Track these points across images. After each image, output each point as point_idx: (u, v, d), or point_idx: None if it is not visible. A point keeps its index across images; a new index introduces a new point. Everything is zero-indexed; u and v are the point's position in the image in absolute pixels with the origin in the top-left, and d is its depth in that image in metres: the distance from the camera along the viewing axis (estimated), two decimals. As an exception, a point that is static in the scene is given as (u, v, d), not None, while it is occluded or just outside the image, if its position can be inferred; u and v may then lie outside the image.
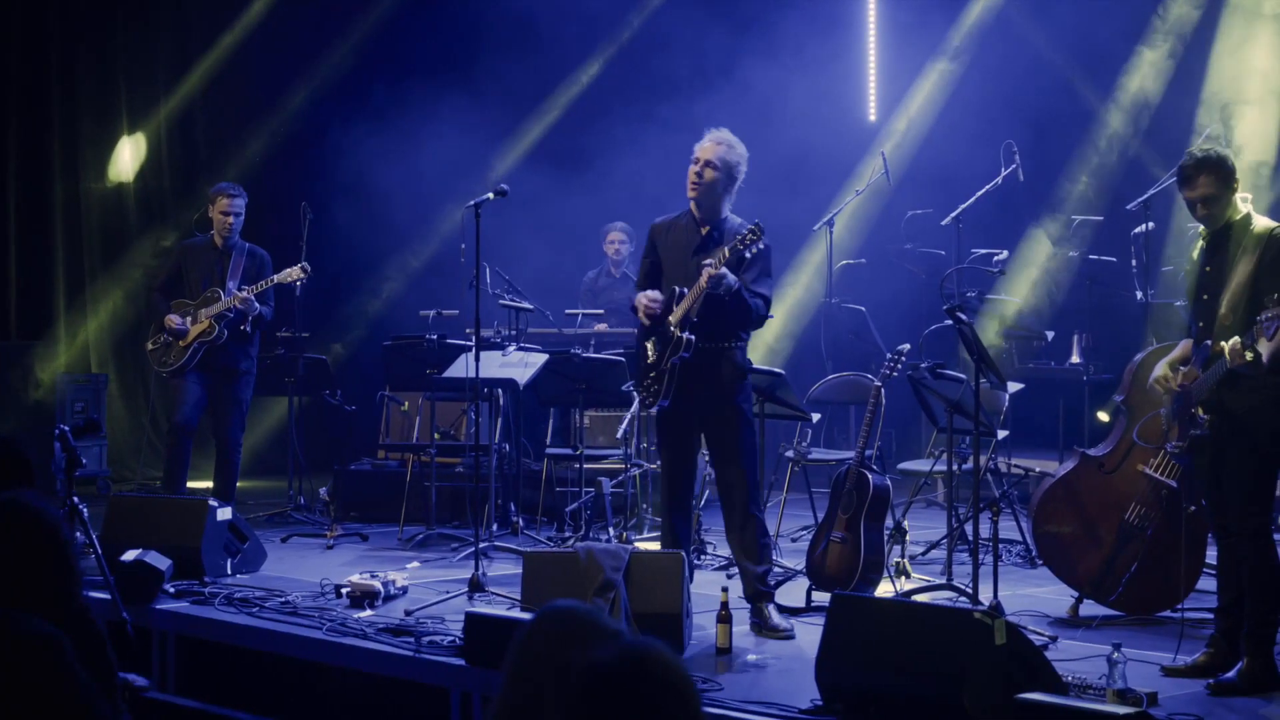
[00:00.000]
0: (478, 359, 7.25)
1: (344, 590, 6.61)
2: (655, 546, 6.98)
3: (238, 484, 8.83)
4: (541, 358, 8.30)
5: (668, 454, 6.44)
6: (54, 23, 11.59)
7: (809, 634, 5.86)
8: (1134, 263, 8.90)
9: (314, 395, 9.83)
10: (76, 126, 11.71)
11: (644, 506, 8.77)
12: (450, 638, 5.77)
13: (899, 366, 7.10)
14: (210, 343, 8.51)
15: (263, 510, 9.50)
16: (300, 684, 6.10)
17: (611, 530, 8.12)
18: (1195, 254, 5.58)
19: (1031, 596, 6.82)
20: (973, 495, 6.52)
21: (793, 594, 6.74)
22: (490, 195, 7.06)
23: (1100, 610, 6.34)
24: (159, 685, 6.13)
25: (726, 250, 6.11)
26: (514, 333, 9.04)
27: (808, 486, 8.32)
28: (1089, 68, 11.46)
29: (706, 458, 7.38)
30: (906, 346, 7.22)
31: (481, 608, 6.18)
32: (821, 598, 6.41)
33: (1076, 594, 6.42)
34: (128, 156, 11.98)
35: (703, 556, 7.80)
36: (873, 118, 12.45)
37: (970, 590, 6.25)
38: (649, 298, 6.33)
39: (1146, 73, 11.22)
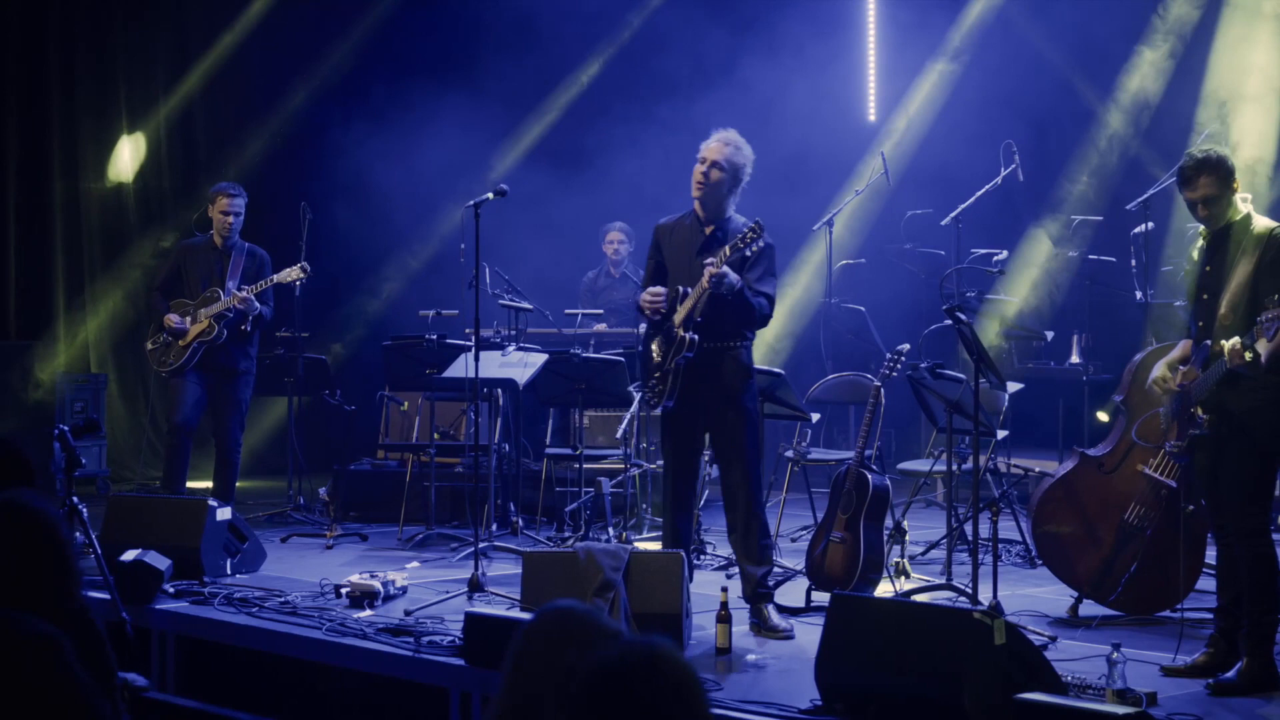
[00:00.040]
0: (477, 359, 7.25)
1: (343, 590, 6.61)
2: (655, 546, 6.98)
3: (237, 484, 8.83)
4: (541, 358, 8.30)
5: (672, 454, 6.43)
6: (53, 22, 11.59)
7: (808, 634, 5.86)
8: (1133, 263, 8.89)
9: (313, 395, 9.82)
10: (76, 126, 11.71)
11: (643, 506, 8.77)
12: (450, 638, 5.77)
13: (898, 366, 7.10)
14: (210, 342, 8.51)
15: (262, 510, 9.50)
16: (300, 684, 6.10)
17: (611, 530, 8.12)
18: (1195, 254, 5.58)
19: (1031, 596, 6.82)
20: (972, 495, 6.52)
21: (792, 594, 6.75)
22: (490, 195, 7.06)
23: (1100, 610, 6.34)
24: (158, 685, 6.12)
25: (727, 249, 6.11)
26: (513, 333, 9.04)
27: (807, 486, 8.32)
28: (1089, 67, 11.46)
29: (707, 458, 7.38)
30: (906, 346, 7.22)
31: (481, 608, 6.18)
32: (821, 598, 6.41)
33: (1076, 594, 6.43)
34: (127, 156, 11.98)
35: (702, 556, 7.80)
36: (872, 118, 12.45)
37: (970, 590, 6.25)
38: (652, 294, 6.35)
39: (1146, 72, 11.21)
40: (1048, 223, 11.15)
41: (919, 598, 6.57)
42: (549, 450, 9.12)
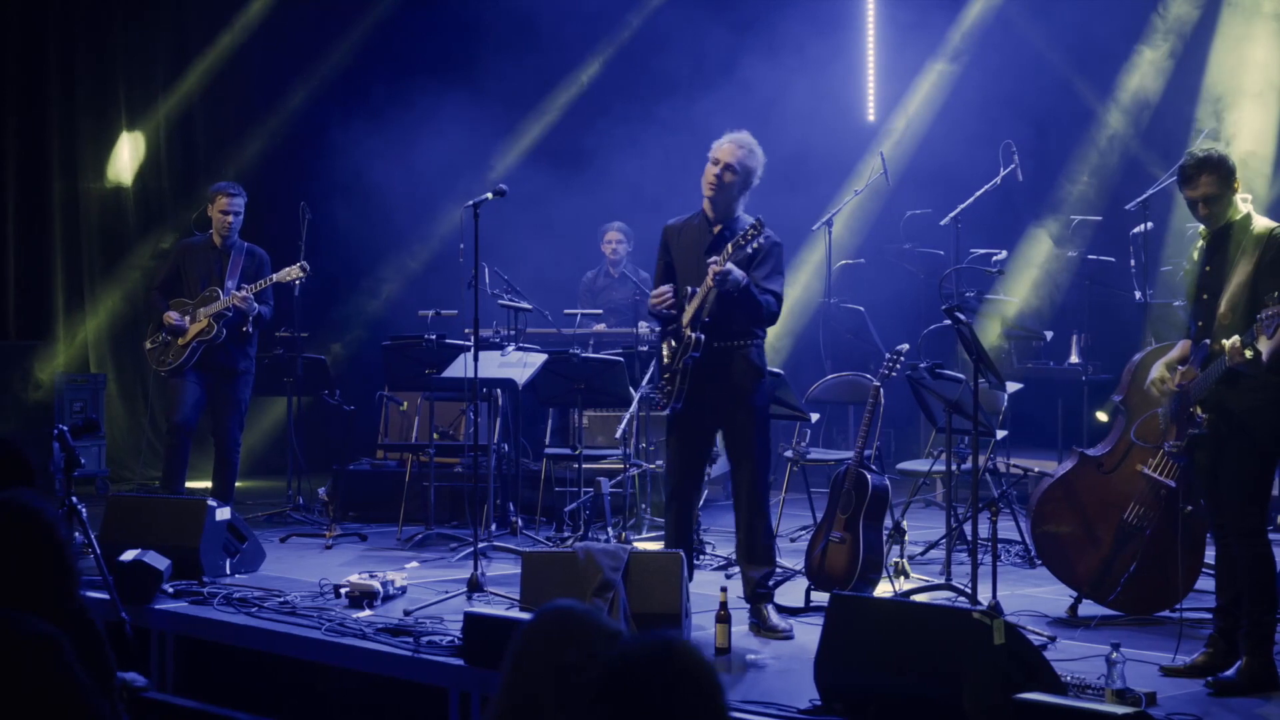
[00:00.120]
0: (476, 359, 7.25)
1: (343, 590, 6.61)
2: (654, 546, 6.98)
3: (236, 484, 8.83)
4: (540, 358, 8.30)
5: (677, 455, 6.42)
6: (53, 22, 11.59)
7: (808, 634, 5.86)
8: (1132, 263, 8.89)
9: (313, 395, 9.82)
10: (75, 126, 11.70)
11: (643, 506, 8.77)
12: (449, 638, 5.77)
13: (898, 366, 7.10)
14: (209, 342, 8.51)
15: (261, 510, 9.50)
16: (299, 684, 6.10)
17: (610, 530, 8.12)
18: (1195, 254, 5.58)
19: (1030, 596, 6.83)
20: (971, 495, 6.52)
21: (791, 594, 6.74)
22: (489, 195, 7.06)
23: (1099, 610, 6.34)
24: (158, 685, 6.12)
25: (730, 246, 6.12)
26: (513, 333, 9.04)
27: (806, 486, 8.31)
28: (1089, 67, 11.46)
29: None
30: (905, 346, 7.22)
31: (480, 608, 6.18)
32: (820, 598, 6.41)
33: (1075, 594, 6.43)
34: (127, 156, 11.97)
35: (701, 556, 7.80)
36: (871, 117, 12.45)
37: (969, 590, 6.26)
38: (657, 294, 6.36)
39: (1146, 72, 11.21)
40: (1049, 222, 11.15)
41: (918, 598, 6.57)
42: (548, 450, 9.12)
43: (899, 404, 8.95)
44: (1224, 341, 5.14)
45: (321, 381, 9.67)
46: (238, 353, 8.64)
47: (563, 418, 9.64)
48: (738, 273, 6.07)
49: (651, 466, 8.84)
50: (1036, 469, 8.57)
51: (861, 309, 10.64)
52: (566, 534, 8.35)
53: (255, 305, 8.51)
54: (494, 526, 8.49)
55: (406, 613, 6.29)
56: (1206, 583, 6.04)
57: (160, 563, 6.66)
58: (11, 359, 11.00)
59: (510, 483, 8.98)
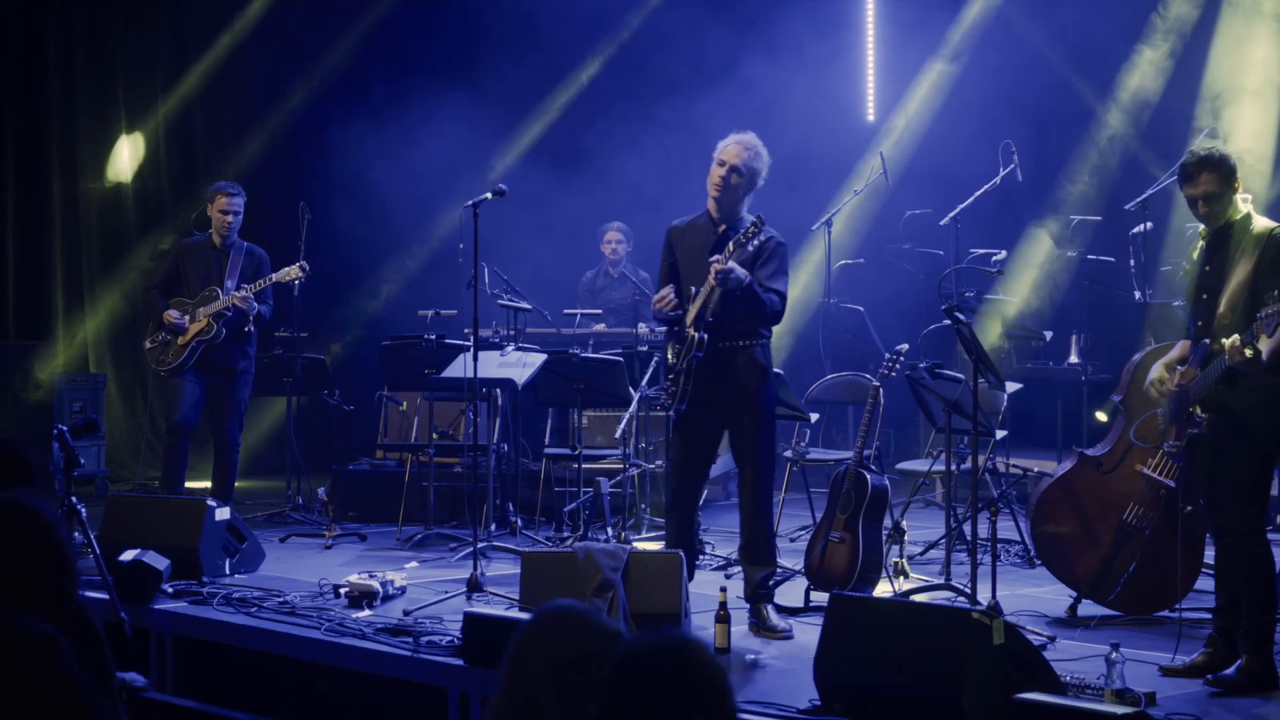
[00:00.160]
0: (476, 359, 7.25)
1: (342, 590, 6.61)
2: (653, 546, 6.98)
3: (236, 484, 8.83)
4: (540, 358, 8.29)
5: (681, 456, 6.41)
6: (52, 22, 11.58)
7: (807, 634, 5.86)
8: (1132, 263, 8.90)
9: (312, 395, 9.82)
10: (75, 126, 11.70)
11: (642, 506, 8.78)
12: (449, 638, 5.77)
13: (897, 366, 7.10)
14: (208, 341, 8.51)
15: (261, 510, 9.50)
16: (299, 684, 6.10)
17: (610, 530, 8.12)
18: (1195, 254, 5.58)
19: (1030, 596, 6.83)
20: (971, 495, 6.52)
21: (791, 594, 6.74)
22: (488, 195, 7.05)
23: (1098, 610, 6.34)
24: (157, 685, 6.12)
25: (731, 245, 6.13)
26: (512, 333, 9.04)
27: (806, 486, 8.32)
28: (1089, 67, 11.46)
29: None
30: (905, 346, 7.22)
31: (480, 608, 6.18)
32: (820, 598, 6.41)
33: (1075, 594, 6.43)
34: (126, 156, 11.97)
35: (701, 556, 7.79)
36: (871, 117, 12.45)
37: (969, 590, 6.25)
38: (659, 297, 6.36)
39: (1146, 71, 11.21)
40: (1049, 222, 11.15)
41: (918, 598, 6.57)
42: (548, 450, 9.12)
43: (898, 404, 8.95)
44: (1223, 340, 5.14)
45: (321, 381, 9.67)
46: (237, 352, 8.64)
47: (562, 418, 9.64)
48: (740, 271, 6.07)
49: (651, 466, 8.84)
50: (1036, 469, 8.57)
51: (861, 309, 10.64)
52: (566, 534, 8.35)
53: (255, 305, 8.51)
54: (493, 526, 8.49)
55: (406, 613, 6.29)
56: (1206, 583, 6.04)
57: (160, 563, 6.66)
58: (11, 359, 11.00)
59: (510, 483, 8.98)
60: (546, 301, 9.90)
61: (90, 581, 6.11)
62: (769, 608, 6.25)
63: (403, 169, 11.37)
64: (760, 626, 6.19)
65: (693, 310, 6.23)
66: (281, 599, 6.60)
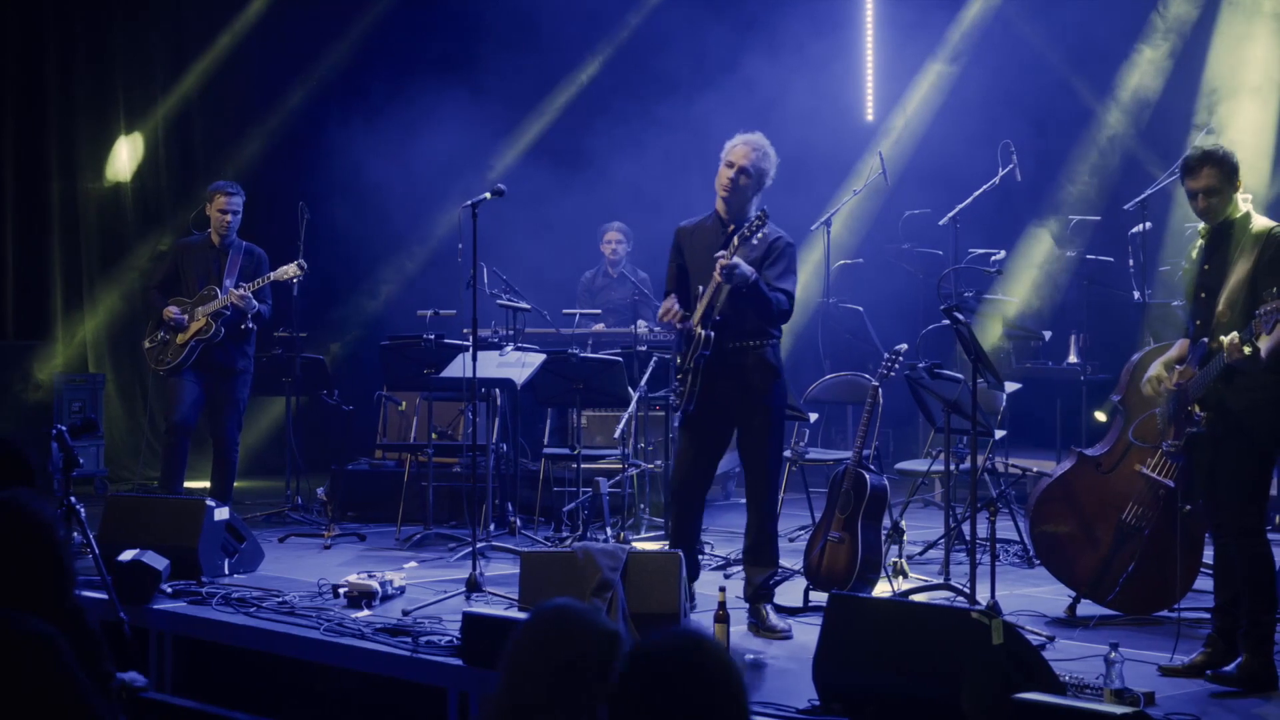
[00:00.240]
0: (475, 359, 7.25)
1: (341, 590, 6.61)
2: (653, 546, 6.98)
3: (235, 484, 8.82)
4: (539, 357, 8.29)
5: (687, 455, 6.41)
6: (51, 22, 11.58)
7: (806, 634, 5.86)
8: (1131, 263, 8.90)
9: (311, 395, 9.82)
10: (73, 126, 11.70)
11: (641, 506, 8.78)
12: (448, 638, 5.77)
13: (896, 366, 7.10)
14: (207, 341, 8.50)
15: (260, 510, 9.50)
16: (298, 684, 6.10)
17: (609, 530, 8.12)
18: (1194, 253, 5.59)
19: (1029, 596, 6.83)
20: (970, 495, 6.52)
21: (790, 594, 6.74)
22: (488, 195, 7.05)
23: (1097, 610, 6.34)
24: (156, 685, 6.12)
25: (736, 239, 6.13)
26: (511, 332, 9.04)
27: (805, 486, 8.32)
28: (1088, 67, 11.46)
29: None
30: (904, 346, 7.22)
31: (479, 608, 6.17)
32: (819, 598, 6.41)
33: (1074, 594, 6.43)
34: (125, 156, 11.97)
35: (700, 556, 7.79)
36: (870, 117, 12.45)
37: (968, 590, 6.26)
38: (663, 310, 6.36)
39: (1146, 70, 11.21)
40: (1050, 222, 11.15)
41: (917, 597, 6.57)
42: (547, 450, 9.12)
43: (898, 404, 8.95)
44: (1222, 338, 5.14)
45: (320, 381, 9.67)
46: (236, 352, 8.63)
47: (561, 418, 9.64)
48: (745, 267, 6.07)
49: (650, 466, 8.84)
50: (1035, 469, 8.57)
51: (860, 309, 10.64)
52: (565, 534, 8.34)
53: (254, 303, 8.50)
54: (492, 526, 8.48)
55: (405, 613, 6.29)
56: (1205, 582, 6.04)
57: (159, 563, 6.66)
58: (10, 359, 11.00)
59: (509, 483, 8.98)
60: (545, 301, 9.90)
61: (89, 581, 6.11)
62: (768, 608, 6.25)
63: (402, 168, 11.37)
64: (759, 626, 6.19)
65: (700, 308, 6.22)
66: (280, 599, 6.60)
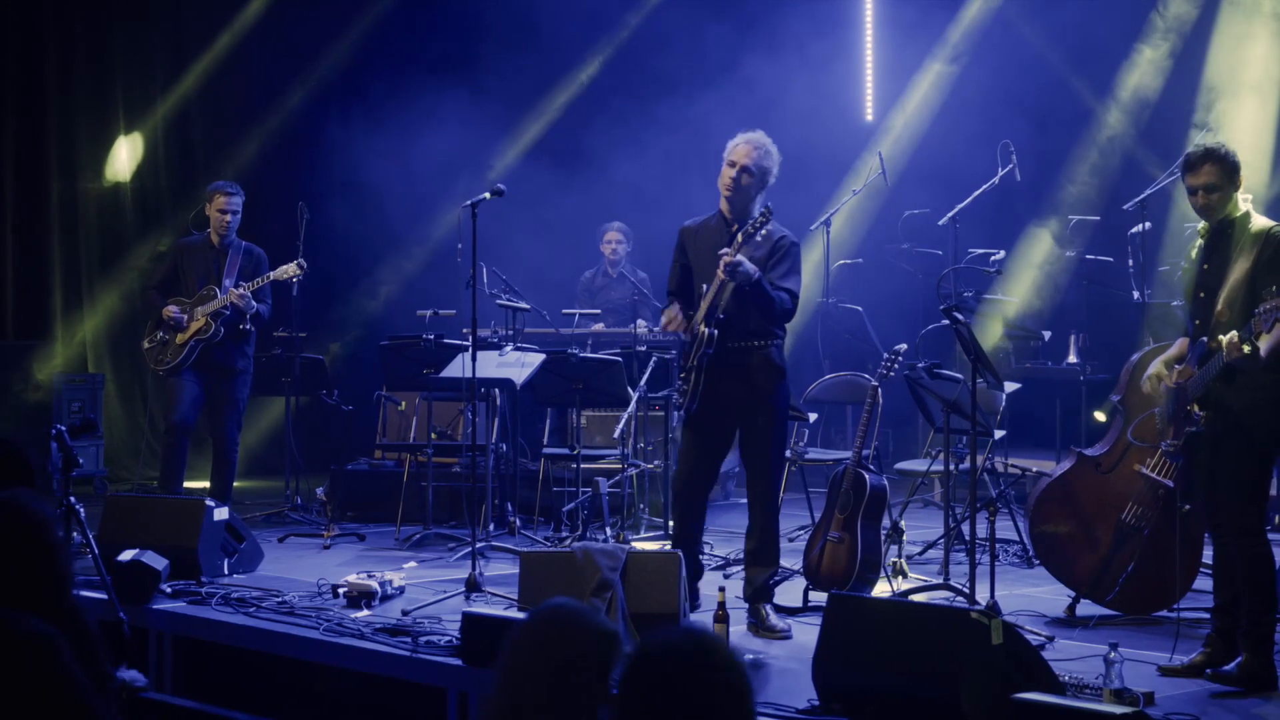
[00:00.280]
0: (474, 359, 7.25)
1: (341, 590, 6.61)
2: (652, 546, 6.98)
3: (234, 484, 8.83)
4: (538, 357, 8.29)
5: (690, 455, 6.40)
6: (51, 22, 11.58)
7: (806, 634, 5.86)
8: (1131, 263, 8.90)
9: (311, 395, 9.82)
10: (73, 126, 11.69)
11: (641, 506, 8.78)
12: (447, 638, 5.77)
13: (896, 366, 7.10)
14: (206, 341, 8.50)
15: (260, 510, 9.50)
16: (297, 684, 6.10)
17: (609, 530, 8.12)
18: (1193, 253, 5.59)
19: (1028, 596, 6.83)
20: (970, 495, 6.52)
21: (790, 594, 6.74)
22: (487, 195, 7.05)
23: (1097, 610, 6.34)
24: (156, 685, 6.11)
25: (740, 236, 6.13)
26: (511, 332, 9.04)
27: (805, 486, 8.32)
28: (1088, 66, 11.46)
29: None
30: (903, 346, 7.22)
31: (479, 608, 6.17)
32: (818, 598, 6.41)
33: (1073, 594, 6.43)
34: (124, 156, 11.96)
35: (700, 556, 7.78)
36: (869, 117, 12.44)
37: (967, 590, 6.26)
38: (666, 320, 6.36)
39: (1146, 70, 11.21)
40: (1051, 222, 11.15)
41: (916, 597, 6.57)
42: (546, 450, 9.12)
43: (897, 404, 8.95)
44: (1221, 338, 5.14)
45: (319, 381, 9.67)
46: (236, 352, 8.63)
47: (561, 417, 9.64)
48: (749, 265, 6.06)
49: (649, 466, 8.84)
50: (1035, 469, 8.57)
51: (860, 309, 10.64)
52: (565, 534, 8.34)
53: (253, 303, 8.50)
54: (492, 526, 8.49)
55: (405, 613, 6.29)
56: (1204, 582, 6.04)
57: (158, 563, 6.66)
58: (10, 359, 11.00)
59: (508, 483, 8.98)
60: (545, 301, 9.90)
61: (89, 581, 6.11)
62: (768, 608, 6.25)
63: (401, 168, 11.37)
64: (759, 626, 6.19)
65: (703, 306, 6.22)
66: (280, 599, 6.60)
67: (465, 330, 7.75)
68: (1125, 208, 8.25)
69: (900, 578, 7.02)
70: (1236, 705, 5.06)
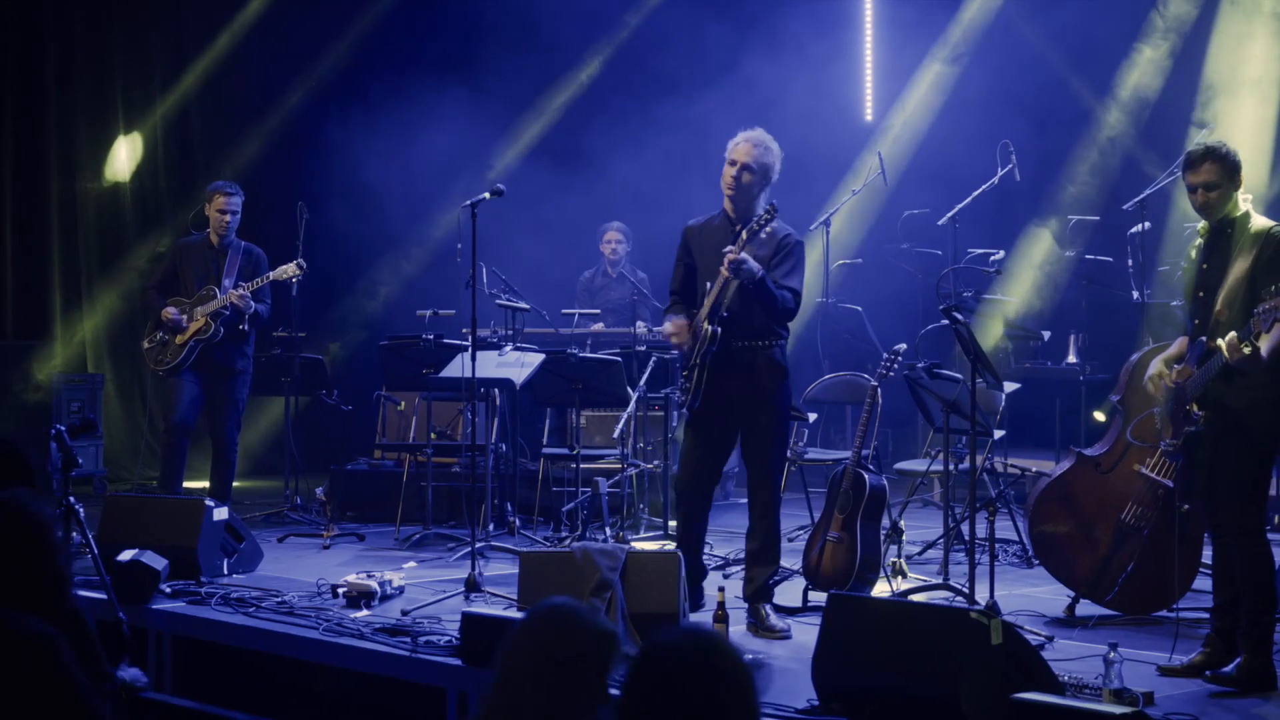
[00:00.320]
0: (474, 359, 7.25)
1: (340, 590, 6.61)
2: (652, 546, 6.98)
3: (234, 484, 8.83)
4: (538, 357, 8.29)
5: (693, 454, 6.40)
6: (51, 22, 11.58)
7: (805, 634, 5.86)
8: (1130, 262, 8.90)
9: (310, 395, 9.82)
10: (73, 126, 11.69)
11: (640, 506, 8.78)
12: (447, 638, 5.77)
13: (895, 366, 7.10)
14: (206, 341, 8.50)
15: (259, 510, 9.50)
16: (297, 684, 6.10)
17: (608, 530, 8.12)
18: (1193, 252, 5.59)
19: (1028, 596, 6.83)
20: (969, 495, 6.51)
21: (789, 594, 6.74)
22: (487, 195, 7.05)
23: (1096, 610, 6.34)
24: (155, 685, 6.11)
25: (744, 234, 6.12)
26: (510, 332, 9.04)
27: (804, 486, 8.31)
28: (1088, 66, 11.46)
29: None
30: (903, 346, 7.22)
31: (478, 608, 6.18)
32: (818, 598, 6.41)
33: (1073, 594, 6.43)
34: (124, 156, 11.96)
35: (702, 559, 7.78)
36: (869, 117, 12.44)
37: (967, 590, 6.25)
38: (669, 331, 6.35)
39: (1146, 70, 11.21)
40: (1050, 222, 11.15)
41: (916, 597, 6.57)
42: (546, 450, 9.12)
43: (897, 404, 8.95)
44: (1220, 340, 5.14)
45: (319, 381, 9.67)
46: (235, 352, 8.63)
47: (560, 417, 9.63)
48: (752, 263, 6.06)
49: (649, 466, 8.84)
50: (1034, 469, 8.57)
51: (859, 309, 10.64)
52: (564, 534, 8.35)
53: (252, 303, 8.50)
54: (491, 526, 8.49)
55: (404, 613, 6.29)
56: (1204, 582, 6.04)
57: (158, 563, 6.66)
58: (9, 359, 10.99)
59: (508, 483, 8.98)
60: (545, 301, 9.90)
61: (88, 581, 6.11)
62: (767, 607, 6.25)
63: (401, 168, 11.37)
64: (759, 626, 6.19)
65: (707, 304, 6.22)
66: (279, 599, 6.60)
67: (465, 330, 7.75)
68: (1125, 208, 8.25)
69: (900, 578, 7.02)
70: (1236, 705, 5.06)
